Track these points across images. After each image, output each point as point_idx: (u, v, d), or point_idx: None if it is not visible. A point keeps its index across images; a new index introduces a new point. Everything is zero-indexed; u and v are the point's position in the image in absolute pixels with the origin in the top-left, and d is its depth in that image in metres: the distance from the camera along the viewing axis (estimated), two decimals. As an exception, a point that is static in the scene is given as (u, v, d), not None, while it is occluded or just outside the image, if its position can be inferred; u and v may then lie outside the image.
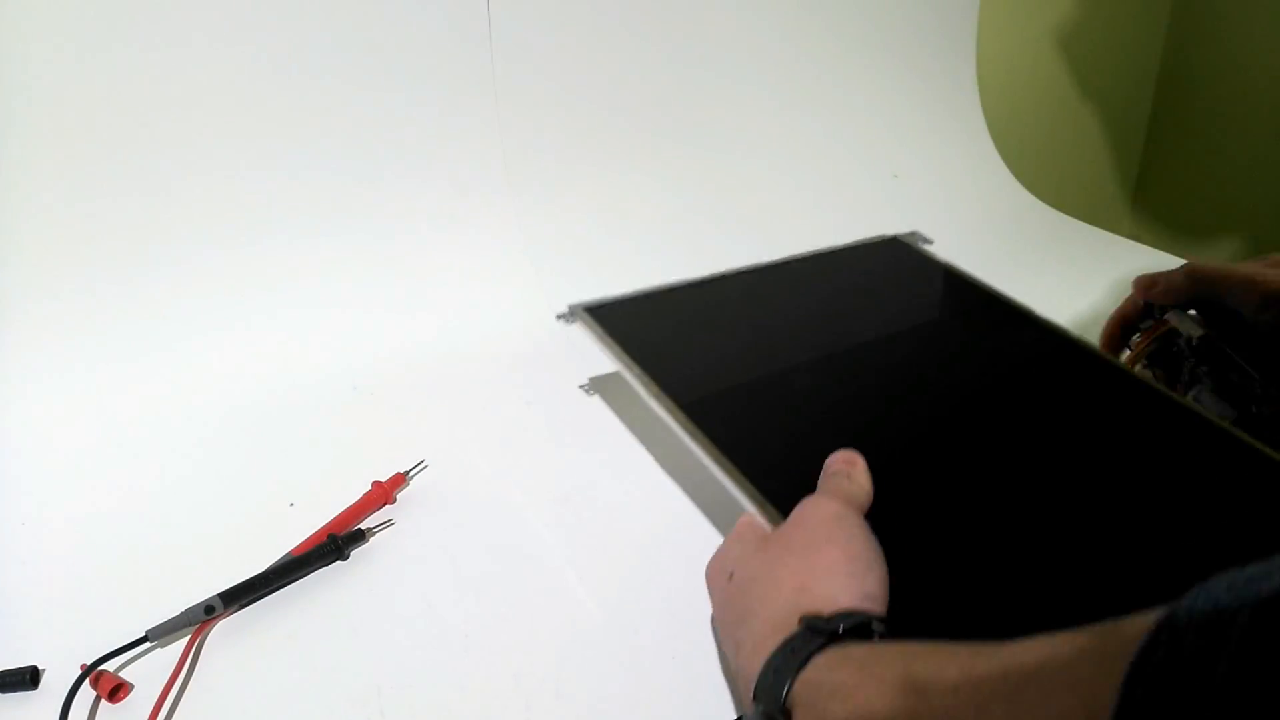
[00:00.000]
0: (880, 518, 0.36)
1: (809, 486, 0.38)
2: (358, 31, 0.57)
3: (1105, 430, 0.43)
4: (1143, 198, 1.15)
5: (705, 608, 0.41)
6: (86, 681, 0.40)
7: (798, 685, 0.29)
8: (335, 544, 0.46)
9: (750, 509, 0.39)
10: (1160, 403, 0.45)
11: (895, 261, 0.54)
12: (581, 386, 0.58)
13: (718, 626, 0.38)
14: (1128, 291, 0.51)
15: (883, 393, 0.44)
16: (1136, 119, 1.12)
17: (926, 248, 0.56)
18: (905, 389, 0.45)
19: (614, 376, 0.60)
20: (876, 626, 0.31)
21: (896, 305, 0.50)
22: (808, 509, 0.36)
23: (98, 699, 0.40)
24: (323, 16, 0.56)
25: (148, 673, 0.41)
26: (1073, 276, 0.71)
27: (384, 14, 0.58)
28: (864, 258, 0.55)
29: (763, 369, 0.45)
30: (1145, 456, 0.42)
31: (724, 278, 0.52)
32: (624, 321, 0.47)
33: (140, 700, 0.40)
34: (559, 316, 0.50)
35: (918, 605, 0.34)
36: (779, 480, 0.39)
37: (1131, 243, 0.76)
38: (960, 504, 0.39)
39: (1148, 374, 0.47)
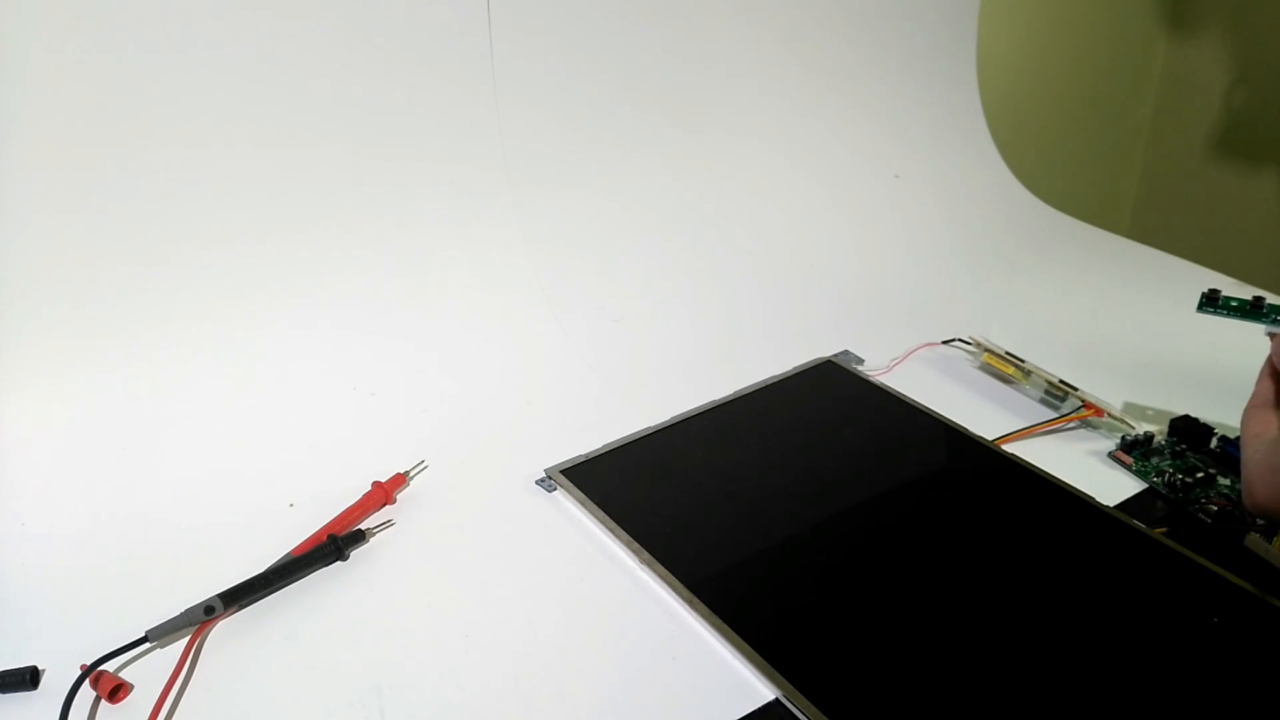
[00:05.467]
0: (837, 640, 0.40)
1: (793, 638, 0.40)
2: (358, 32, 0.57)
3: (1058, 550, 0.44)
4: (1144, 197, 1.15)
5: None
6: (86, 682, 0.40)
7: None
8: (335, 544, 0.46)
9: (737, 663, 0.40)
10: (1100, 519, 0.46)
11: (833, 386, 0.58)
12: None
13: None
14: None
15: (849, 529, 0.47)
16: (1137, 118, 1.11)
17: (858, 368, 0.60)
18: (869, 522, 0.47)
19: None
20: None
21: (842, 433, 0.54)
22: None
23: (98, 699, 0.40)
24: (323, 18, 0.56)
25: (148, 673, 0.41)
26: (1073, 276, 0.71)
27: (384, 15, 0.58)
28: (805, 384, 0.59)
29: (745, 528, 0.47)
30: (1089, 572, 0.43)
31: (684, 422, 0.55)
32: (598, 481, 0.50)
33: (140, 700, 0.40)
34: (538, 482, 0.51)
35: None
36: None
37: (1132, 243, 0.75)
38: (912, 625, 0.41)
39: None
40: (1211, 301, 0.48)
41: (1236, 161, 1.04)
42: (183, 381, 0.54)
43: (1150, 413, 0.55)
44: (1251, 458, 0.40)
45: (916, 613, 0.41)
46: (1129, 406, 0.55)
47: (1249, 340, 0.60)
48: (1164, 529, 0.45)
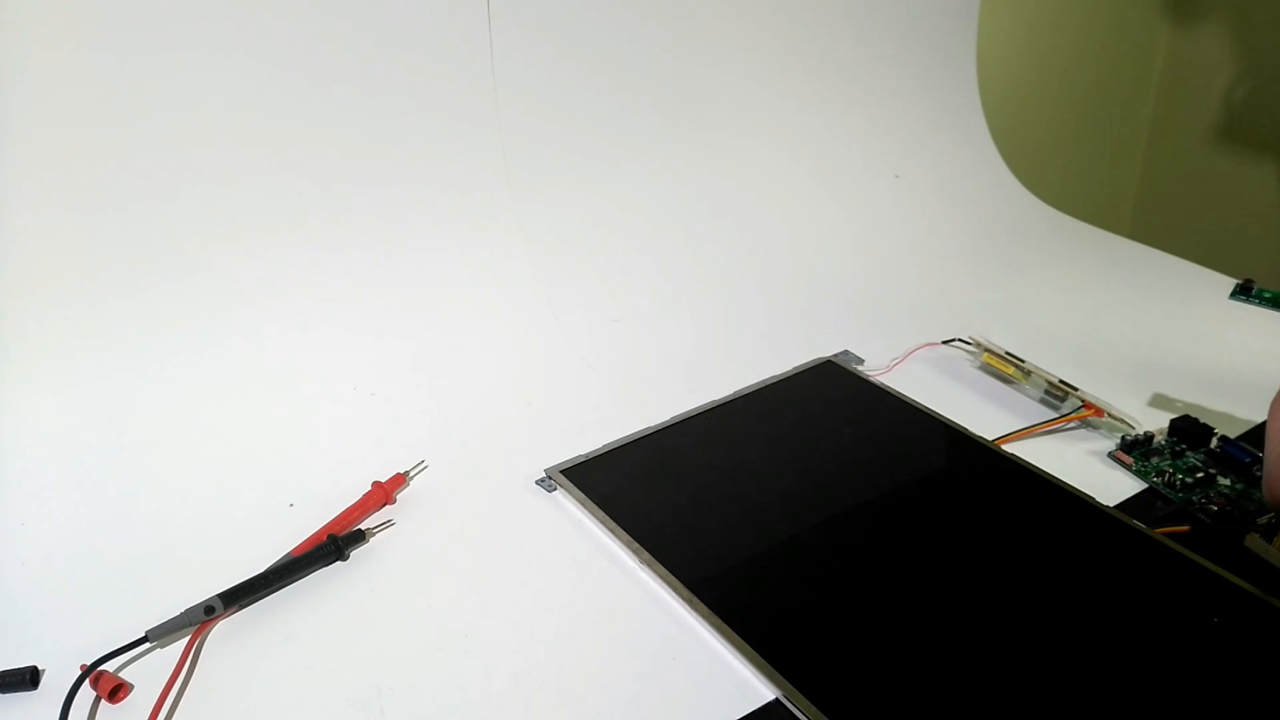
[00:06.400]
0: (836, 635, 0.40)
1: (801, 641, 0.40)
2: (358, 33, 0.57)
3: (1058, 550, 0.44)
4: (1144, 197, 1.15)
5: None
6: (86, 682, 0.40)
7: None
8: (335, 544, 0.46)
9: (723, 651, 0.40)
10: (1100, 519, 0.46)
11: (833, 386, 0.58)
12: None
13: None
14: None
15: (853, 529, 0.47)
16: (1138, 118, 1.12)
17: (858, 368, 0.60)
18: (875, 523, 0.47)
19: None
20: None
21: (843, 434, 0.54)
22: None
23: (98, 699, 0.40)
24: (322, 18, 0.56)
25: (148, 673, 0.41)
26: (1073, 276, 0.71)
27: (384, 15, 0.58)
28: (805, 385, 0.59)
29: (745, 527, 0.47)
30: (1089, 572, 0.43)
31: (684, 422, 0.55)
32: (598, 481, 0.50)
33: (140, 700, 0.40)
34: (538, 482, 0.51)
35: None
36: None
37: (1133, 243, 0.76)
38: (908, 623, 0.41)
39: None
40: (1245, 291, 0.48)
41: (1237, 162, 1.04)
42: (182, 381, 0.55)
43: (1150, 413, 0.55)
44: (1274, 452, 0.40)
45: (917, 612, 0.41)
46: (1129, 406, 0.55)
47: (1249, 340, 0.60)
48: (1185, 528, 0.45)
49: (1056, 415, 0.54)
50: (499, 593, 0.44)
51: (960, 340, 0.62)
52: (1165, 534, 0.44)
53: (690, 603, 0.42)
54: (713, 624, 0.41)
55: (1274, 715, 0.36)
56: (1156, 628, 0.39)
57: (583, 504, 0.49)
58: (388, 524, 0.49)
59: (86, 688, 0.40)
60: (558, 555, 0.47)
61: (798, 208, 0.74)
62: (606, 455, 0.52)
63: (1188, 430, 0.51)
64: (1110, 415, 0.52)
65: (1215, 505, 0.46)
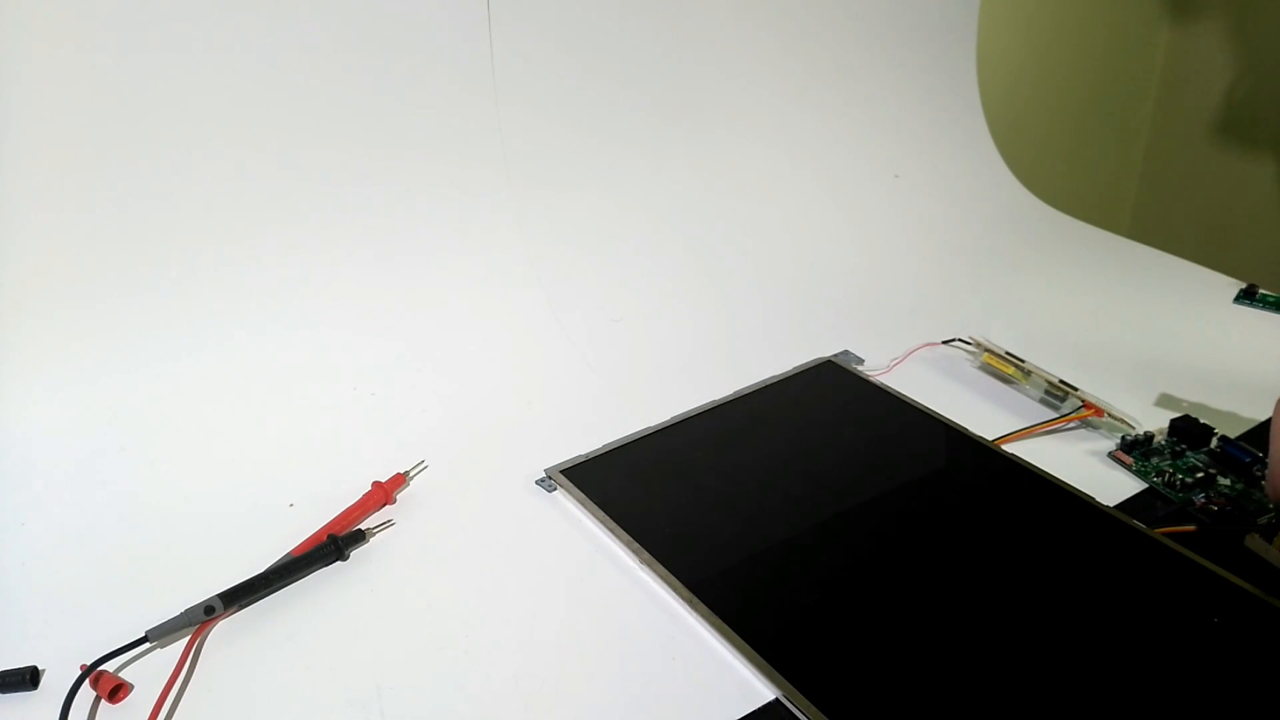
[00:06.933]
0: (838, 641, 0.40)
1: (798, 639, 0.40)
2: (358, 33, 0.57)
3: (1058, 550, 0.44)
4: (1144, 197, 1.15)
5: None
6: (86, 682, 0.40)
7: None
8: (335, 544, 0.46)
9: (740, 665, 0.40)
10: (1100, 519, 0.46)
11: (833, 386, 0.58)
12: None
13: None
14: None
15: (853, 529, 0.47)
16: (1138, 118, 1.12)
17: (858, 368, 0.60)
18: (875, 524, 0.47)
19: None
20: None
21: (843, 434, 0.54)
22: None
23: (98, 699, 0.40)
24: (323, 18, 0.56)
25: (148, 673, 0.41)
26: (1073, 276, 0.71)
27: (383, 16, 0.58)
28: (805, 385, 0.59)
29: (745, 528, 0.47)
30: (1089, 572, 0.43)
31: (684, 422, 0.55)
32: (598, 481, 0.50)
33: (140, 700, 0.40)
34: (538, 482, 0.51)
35: None
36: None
37: (1132, 243, 0.76)
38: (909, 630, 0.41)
39: None
40: (1248, 295, 0.49)
41: (1237, 161, 1.04)
42: (183, 381, 0.55)
43: (1150, 413, 0.55)
44: (1278, 450, 0.40)
45: (917, 613, 0.41)
46: (1129, 406, 0.55)
47: (1248, 340, 0.60)
48: (1185, 528, 0.45)
49: (1056, 415, 0.54)
50: (499, 593, 0.44)
51: (960, 340, 0.62)
52: (1165, 534, 0.44)
53: (690, 603, 0.42)
54: (713, 624, 0.41)
55: (1274, 715, 0.36)
56: (1157, 628, 0.39)
57: (583, 504, 0.49)
58: (388, 524, 0.49)
59: (86, 688, 0.40)
60: (558, 555, 0.47)
61: (797, 208, 0.74)
62: (606, 455, 0.52)
63: (1188, 430, 0.51)
64: (1110, 415, 0.52)
65: (1215, 505, 0.46)
